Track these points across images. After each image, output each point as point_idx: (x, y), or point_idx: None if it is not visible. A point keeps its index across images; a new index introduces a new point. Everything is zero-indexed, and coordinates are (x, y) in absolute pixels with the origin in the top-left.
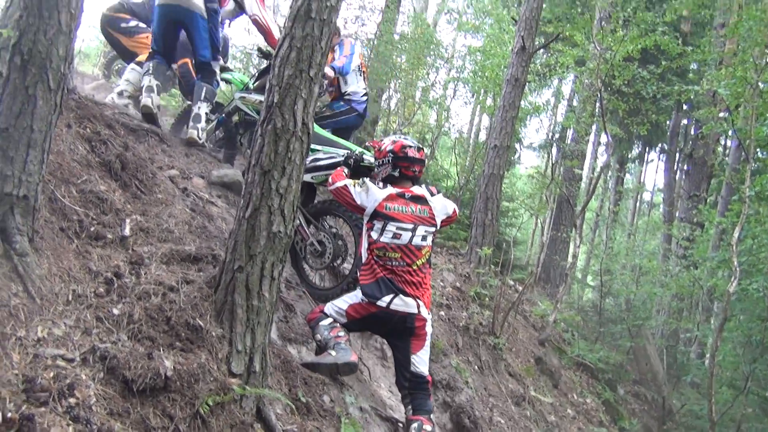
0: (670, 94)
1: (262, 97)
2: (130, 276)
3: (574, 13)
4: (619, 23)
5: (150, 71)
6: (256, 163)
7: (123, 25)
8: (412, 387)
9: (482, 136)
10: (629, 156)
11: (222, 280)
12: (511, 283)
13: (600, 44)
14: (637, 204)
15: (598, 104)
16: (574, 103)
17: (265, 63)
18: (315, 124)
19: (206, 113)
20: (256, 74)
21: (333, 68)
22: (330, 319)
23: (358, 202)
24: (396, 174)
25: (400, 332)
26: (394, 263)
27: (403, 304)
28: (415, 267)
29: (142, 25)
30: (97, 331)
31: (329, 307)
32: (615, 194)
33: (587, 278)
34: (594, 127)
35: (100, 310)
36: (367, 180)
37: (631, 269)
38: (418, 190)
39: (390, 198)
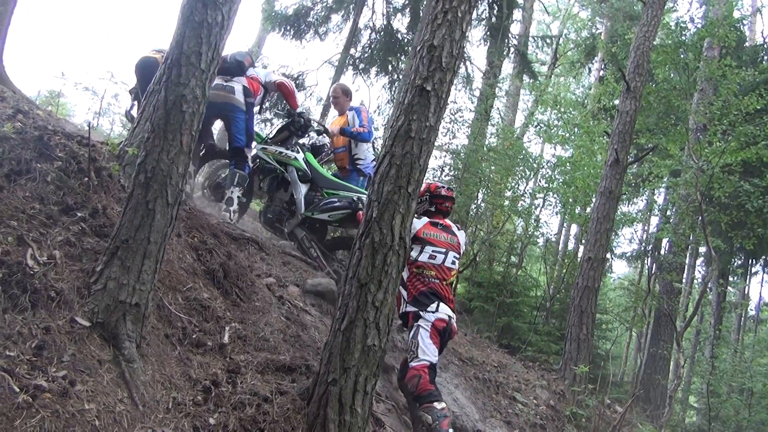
0: None
1: (280, 149)
2: (227, 385)
3: (667, 124)
4: (717, 136)
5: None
6: (353, 275)
7: None
8: None
9: (570, 245)
10: (730, 268)
11: (315, 392)
12: (608, 402)
13: (697, 157)
14: (743, 319)
15: (697, 216)
16: (668, 213)
17: (282, 122)
18: (328, 172)
19: (238, 197)
20: (275, 131)
21: (357, 135)
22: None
23: None
24: (432, 209)
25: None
26: (430, 279)
27: (446, 309)
28: (446, 284)
29: None
30: None
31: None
32: (717, 308)
33: (688, 397)
34: (691, 238)
35: (198, 419)
36: None
37: (740, 391)
38: (449, 222)
39: (427, 226)
